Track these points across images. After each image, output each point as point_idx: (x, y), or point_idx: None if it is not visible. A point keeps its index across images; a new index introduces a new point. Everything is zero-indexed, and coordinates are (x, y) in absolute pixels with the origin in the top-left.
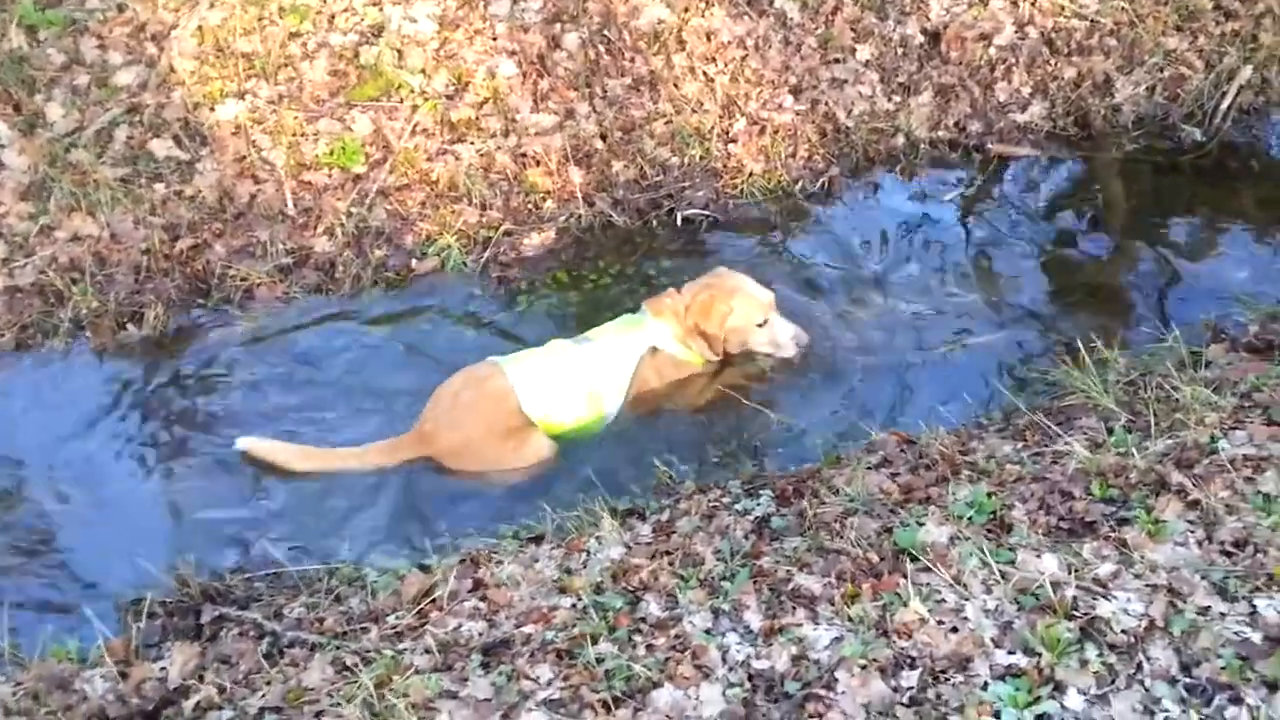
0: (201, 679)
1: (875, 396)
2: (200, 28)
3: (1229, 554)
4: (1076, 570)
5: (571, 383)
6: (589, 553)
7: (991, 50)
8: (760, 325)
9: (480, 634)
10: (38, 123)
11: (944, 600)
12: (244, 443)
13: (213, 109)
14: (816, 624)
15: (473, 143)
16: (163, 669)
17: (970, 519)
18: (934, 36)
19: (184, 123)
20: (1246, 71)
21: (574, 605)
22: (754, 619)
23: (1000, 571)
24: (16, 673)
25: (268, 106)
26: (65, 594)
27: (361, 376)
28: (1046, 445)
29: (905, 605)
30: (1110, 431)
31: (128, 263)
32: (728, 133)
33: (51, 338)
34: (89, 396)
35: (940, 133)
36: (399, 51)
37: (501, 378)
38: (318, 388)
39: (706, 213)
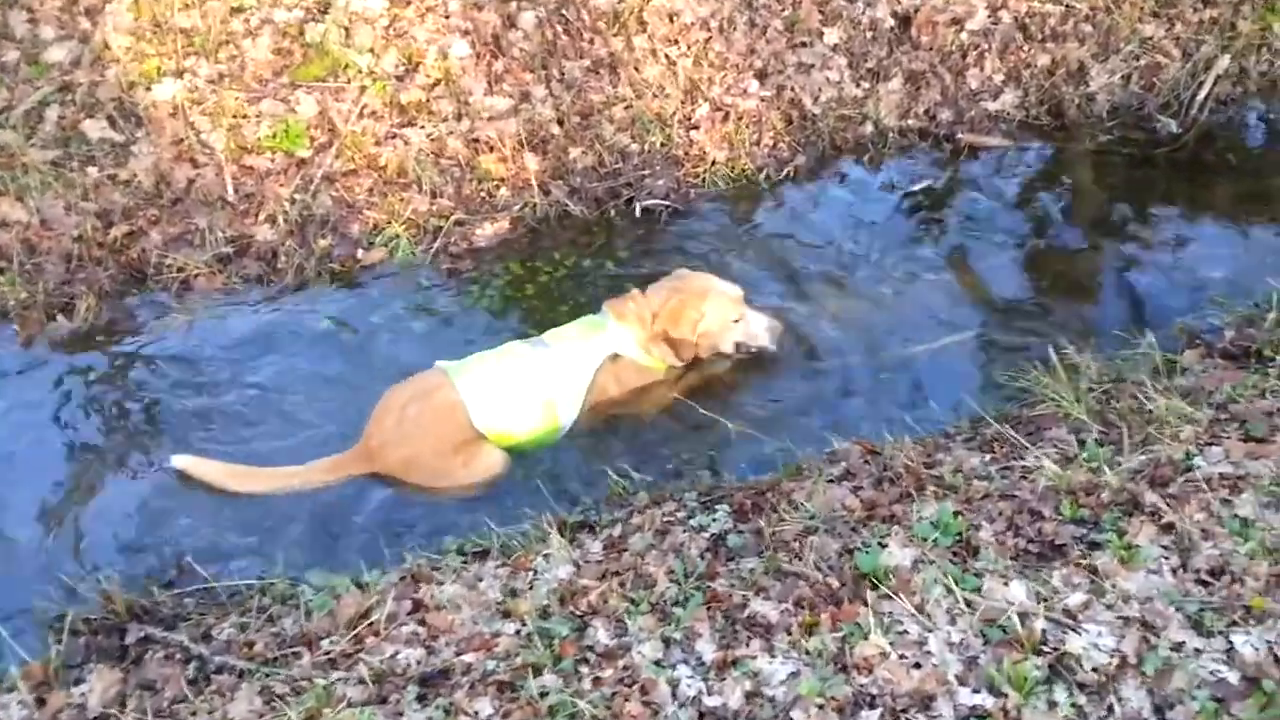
0: (123, 707)
1: (839, 400)
2: (136, 2)
3: (1205, 583)
4: (1046, 600)
5: (525, 392)
6: (536, 572)
7: (964, 35)
8: (735, 322)
9: (418, 662)
10: None
11: (906, 632)
12: (180, 461)
13: (149, 88)
14: (772, 656)
15: (423, 127)
16: (82, 695)
17: (935, 541)
18: (905, 20)
19: (118, 103)
20: (1224, 61)
21: (518, 631)
22: (707, 649)
23: (966, 600)
24: None
25: (207, 86)
26: None
27: (301, 374)
28: (1016, 459)
29: (866, 637)
30: (1082, 444)
31: (58, 251)
32: (690, 119)
33: None
34: (12, 393)
35: (910, 121)
36: (346, 29)
37: (450, 390)
38: (254, 387)
39: (667, 203)
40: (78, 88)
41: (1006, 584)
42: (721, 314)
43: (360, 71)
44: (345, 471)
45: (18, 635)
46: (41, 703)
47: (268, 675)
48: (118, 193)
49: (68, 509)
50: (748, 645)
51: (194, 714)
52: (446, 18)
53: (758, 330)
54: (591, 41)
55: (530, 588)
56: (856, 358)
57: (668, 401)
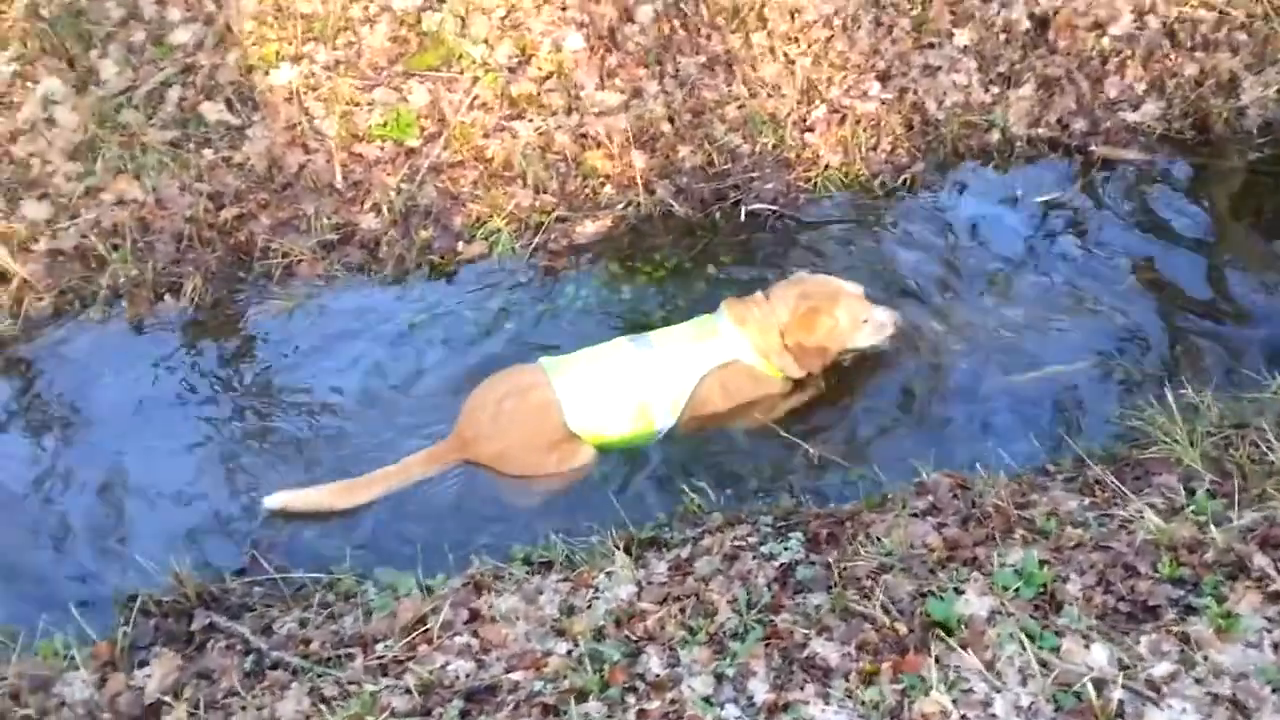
0: (178, 696)
1: (938, 427)
2: None
3: None
4: (1128, 667)
5: (622, 394)
6: (597, 589)
7: (1105, 40)
8: (864, 322)
9: (467, 675)
10: (90, 80)
11: (972, 690)
12: (274, 501)
13: (267, 73)
14: (826, 703)
15: (531, 120)
16: (144, 679)
17: (1017, 591)
18: (1042, 23)
19: (237, 86)
20: None
21: (569, 652)
22: (759, 689)
23: (1041, 660)
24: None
25: (324, 72)
26: (68, 584)
27: (392, 368)
28: (1117, 505)
29: (927, 693)
30: (1191, 495)
31: (170, 230)
32: (805, 120)
33: (90, 305)
34: (121, 370)
35: (1040, 129)
36: (463, 19)
37: (547, 389)
38: (346, 377)
39: (774, 207)
40: (199, 70)
41: (1088, 646)
42: (853, 316)
43: (474, 62)
44: (440, 463)
45: (94, 610)
46: (103, 683)
47: (319, 675)
48: (231, 175)
49: (151, 489)
50: (802, 689)
51: (244, 709)
52: (563, 9)
53: (883, 324)
54: (709, 37)
55: (589, 606)
56: (961, 381)
57: (778, 416)
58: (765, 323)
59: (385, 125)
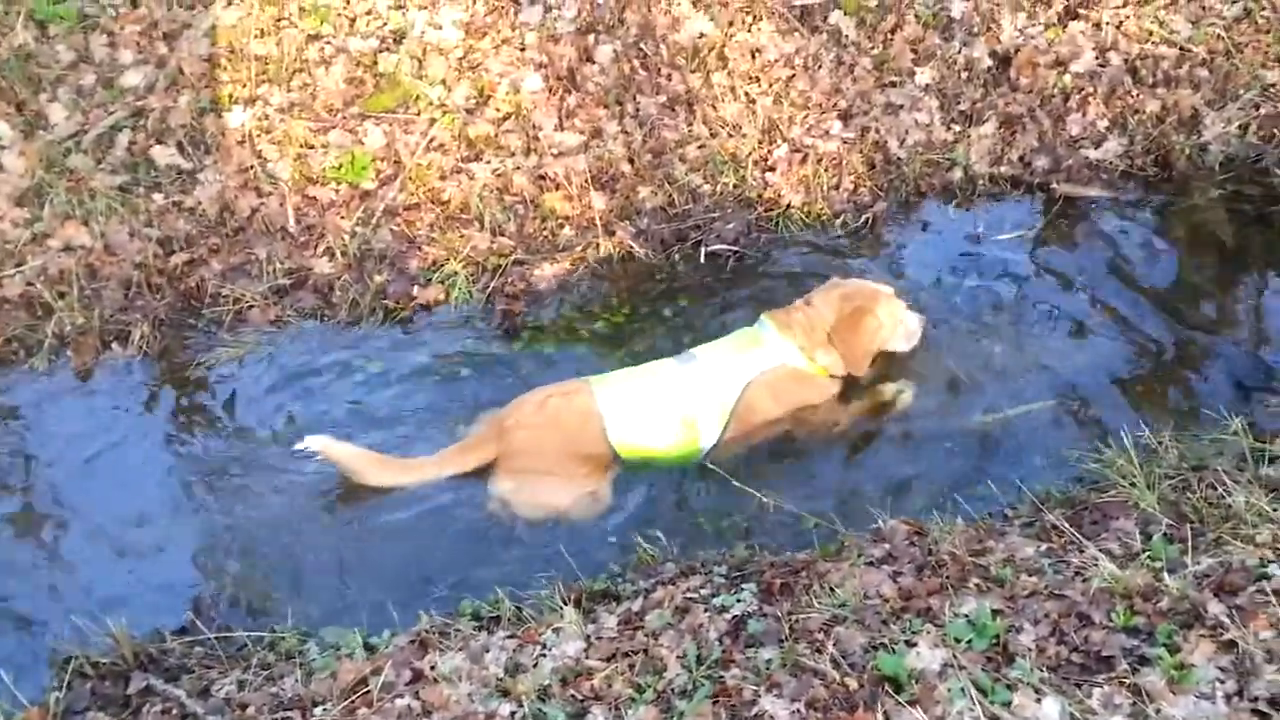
0: None
1: (896, 472)
2: (214, 27)
3: (1262, 715)
4: None
5: (666, 407)
6: (545, 646)
7: (1067, 78)
8: (900, 324)
9: None
10: (39, 124)
11: None
12: (315, 442)
13: (220, 116)
14: None
15: (489, 161)
16: None
17: (970, 643)
18: (1004, 60)
19: (189, 129)
20: None
21: (513, 714)
22: None
23: (992, 716)
24: None
25: (278, 115)
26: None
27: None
28: (1073, 551)
29: None
30: (1148, 539)
31: (118, 277)
32: (766, 160)
33: (35, 354)
34: (66, 421)
35: (1002, 167)
36: (419, 60)
37: (590, 397)
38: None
39: (735, 248)
40: (150, 113)
41: (1039, 700)
42: (893, 316)
43: (430, 103)
44: (475, 456)
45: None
46: None
47: None
48: (181, 220)
49: (95, 544)
50: None
51: None
52: (522, 50)
53: (915, 329)
54: (669, 77)
55: (535, 664)
56: (922, 423)
57: (843, 427)
58: (810, 325)
59: (340, 168)
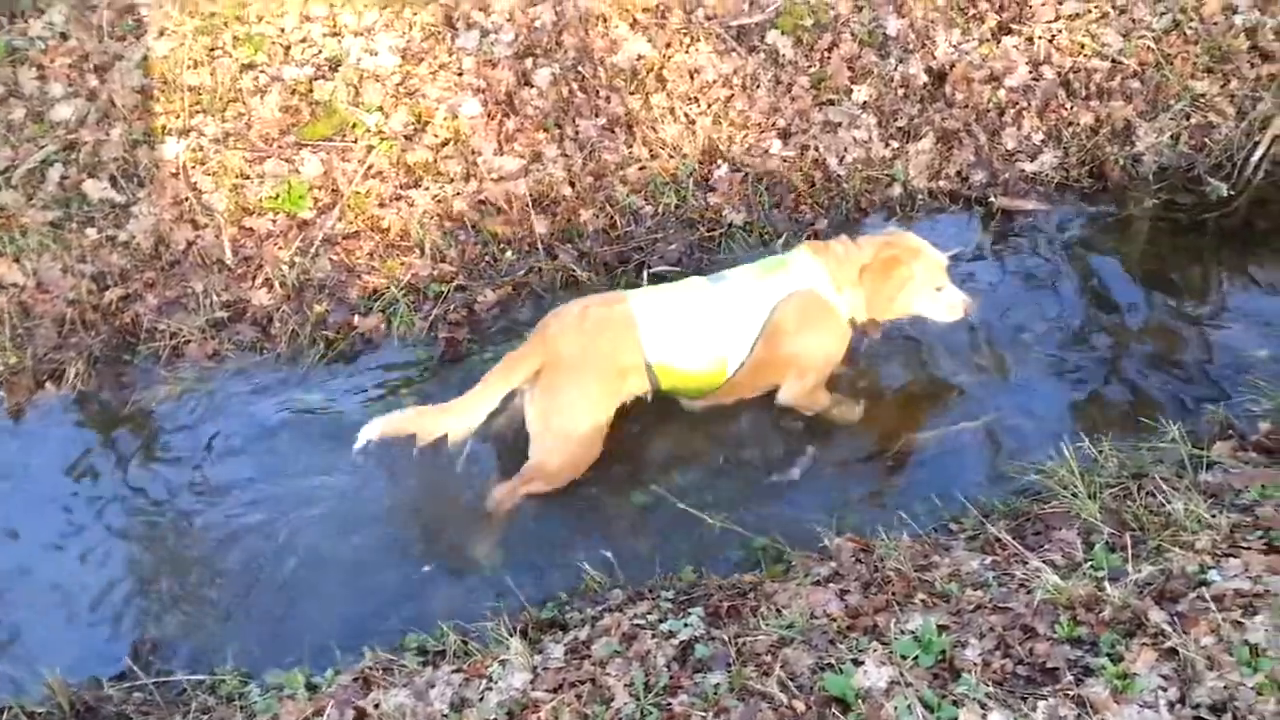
0: None
1: (843, 489)
2: (147, 58)
3: None
4: None
5: (698, 325)
6: (490, 679)
7: (1001, 93)
8: (938, 290)
9: None
10: None
11: None
12: (367, 433)
13: (154, 147)
14: None
15: (429, 188)
16: None
17: (916, 659)
18: (939, 77)
19: (122, 163)
20: None
21: None
22: None
23: None
24: None
25: (212, 145)
26: None
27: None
28: (1017, 563)
29: None
30: (1090, 548)
31: (51, 314)
32: (707, 180)
33: None
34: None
35: (940, 182)
36: (356, 88)
37: (629, 308)
38: (234, 465)
39: (677, 268)
40: (82, 147)
41: (985, 715)
42: (929, 278)
43: (368, 131)
44: (521, 370)
45: None
46: None
47: None
48: (115, 255)
49: (32, 587)
50: None
51: None
52: (459, 75)
53: (955, 303)
54: (608, 99)
55: (481, 698)
56: (865, 441)
57: (819, 406)
58: (846, 258)
59: (277, 198)
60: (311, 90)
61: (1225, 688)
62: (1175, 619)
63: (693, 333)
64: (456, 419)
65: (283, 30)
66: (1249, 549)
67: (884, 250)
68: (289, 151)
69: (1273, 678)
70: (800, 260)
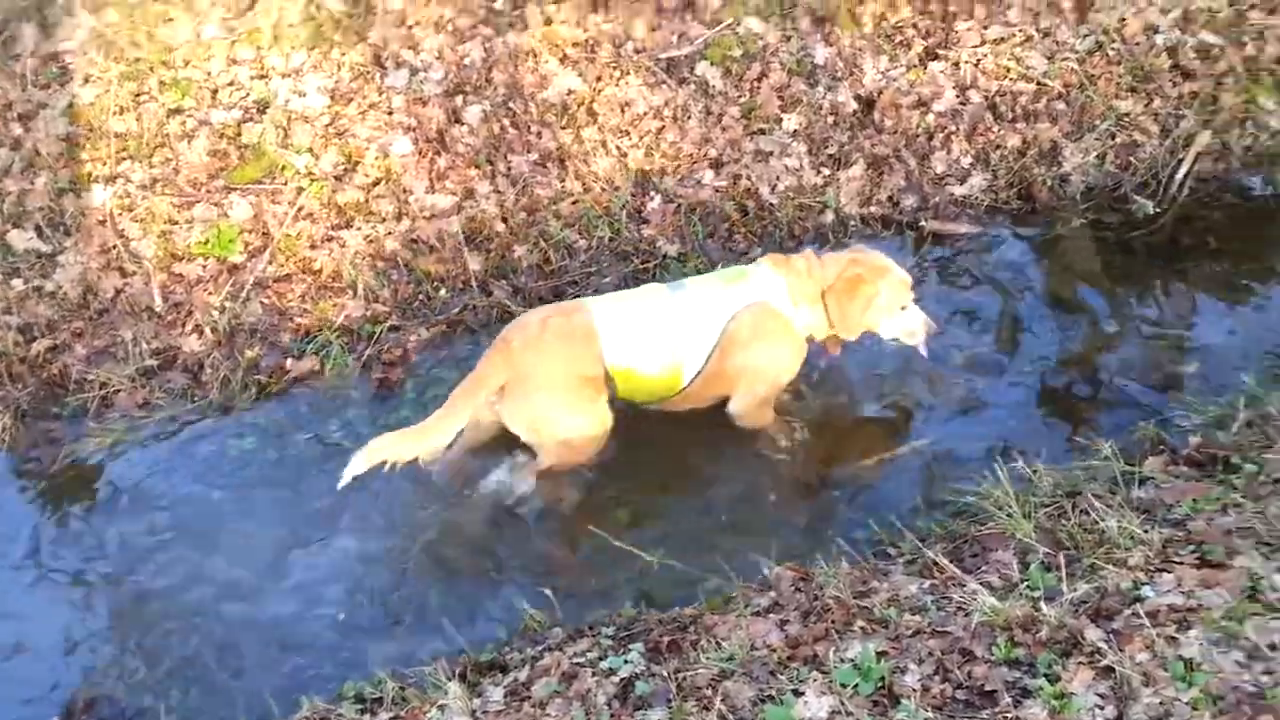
0: None
1: (782, 517)
2: (72, 105)
3: None
4: None
5: (656, 331)
6: None
7: (929, 117)
8: (901, 309)
9: None
10: None
11: None
12: (352, 469)
13: (80, 195)
14: None
15: (360, 228)
16: None
17: (856, 687)
18: (868, 104)
19: (47, 211)
20: (1205, 136)
21: None
22: None
23: None
24: None
25: (140, 192)
26: None
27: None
28: (955, 586)
29: None
30: (1026, 568)
31: None
32: (640, 212)
33: None
34: None
35: (872, 208)
36: (284, 129)
37: (589, 317)
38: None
39: None
40: (6, 196)
41: None
42: (894, 297)
43: (297, 172)
44: (487, 385)
45: None
46: None
47: None
48: (42, 305)
49: None
50: None
51: None
52: (389, 114)
53: (916, 326)
54: (539, 135)
55: None
56: (803, 469)
57: (763, 422)
58: (808, 273)
59: (206, 243)
60: (240, 133)
61: (1161, 703)
62: (1111, 636)
63: (651, 338)
64: (427, 440)
65: (209, 74)
66: (1181, 564)
67: (849, 268)
68: (218, 196)
69: (1207, 691)
70: (760, 273)
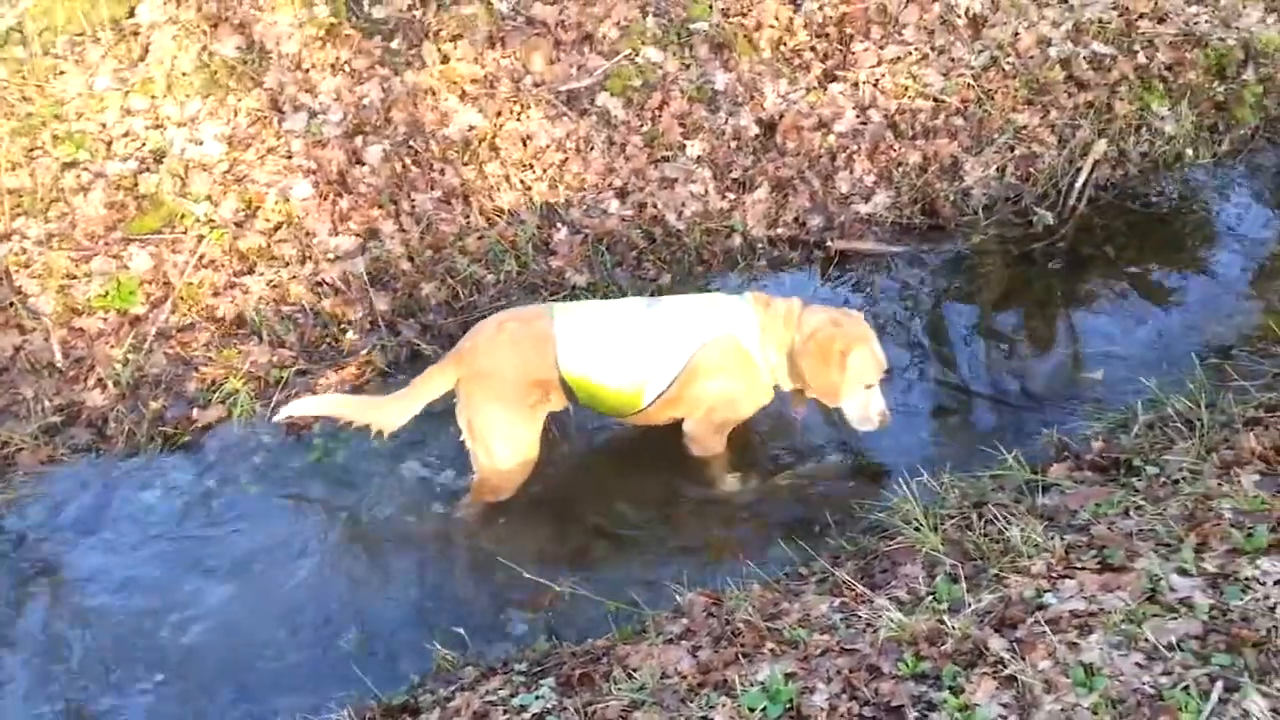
0: None
1: (696, 542)
2: None
3: None
4: None
5: (621, 343)
6: None
7: (831, 138)
8: (866, 388)
9: None
10: None
11: None
12: (288, 410)
13: None
14: None
15: (263, 273)
16: None
17: (765, 711)
18: (769, 127)
19: None
20: (1101, 145)
21: None
22: None
23: None
24: None
25: (36, 247)
26: None
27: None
28: (864, 603)
29: None
30: (933, 580)
31: None
32: (548, 244)
33: None
34: None
35: (779, 230)
36: (182, 178)
37: (549, 324)
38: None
39: None
40: None
41: None
42: (863, 372)
43: (197, 220)
44: (439, 383)
45: None
46: None
47: None
48: None
49: None
50: None
51: None
52: (289, 158)
53: (874, 410)
54: (442, 172)
55: None
56: (714, 491)
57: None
58: (785, 322)
59: (106, 295)
60: (137, 184)
61: (1063, 710)
62: (1015, 645)
63: (617, 351)
64: (378, 414)
65: (104, 125)
66: (1083, 569)
67: (825, 328)
68: (117, 248)
69: (1106, 695)
70: (738, 306)
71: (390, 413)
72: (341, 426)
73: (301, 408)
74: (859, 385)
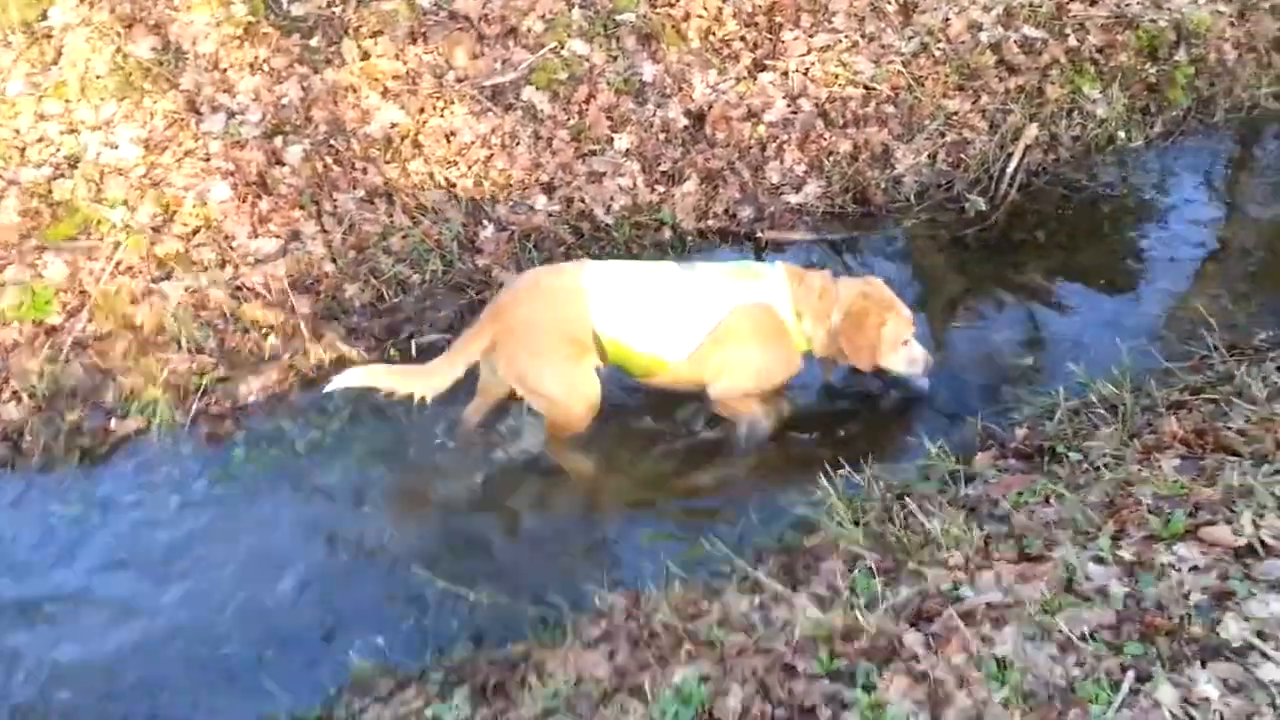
0: None
1: (620, 540)
2: None
3: None
4: None
5: (652, 305)
6: None
7: (761, 128)
8: (903, 344)
9: None
10: None
11: None
12: (340, 381)
13: None
14: None
15: (181, 279)
16: None
17: (677, 715)
18: (698, 118)
19: None
20: (1032, 129)
21: None
22: None
23: None
24: None
25: None
26: None
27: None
28: (783, 600)
29: None
30: (853, 577)
31: None
32: (473, 242)
33: None
34: None
35: (709, 221)
36: (97, 184)
37: (580, 278)
38: None
39: (449, 335)
40: None
41: None
42: (897, 330)
43: (113, 226)
44: (479, 342)
45: None
46: None
47: None
48: None
49: None
50: None
51: None
52: (206, 160)
53: (918, 358)
54: (365, 171)
55: None
56: (638, 489)
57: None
58: (819, 292)
59: (20, 306)
60: (51, 191)
61: (974, 706)
62: (930, 640)
63: (649, 314)
64: (427, 381)
65: (17, 131)
66: (1001, 559)
67: (857, 301)
68: (31, 256)
69: (1018, 689)
70: (773, 275)
71: (433, 379)
72: (385, 396)
73: (348, 380)
74: (898, 345)
